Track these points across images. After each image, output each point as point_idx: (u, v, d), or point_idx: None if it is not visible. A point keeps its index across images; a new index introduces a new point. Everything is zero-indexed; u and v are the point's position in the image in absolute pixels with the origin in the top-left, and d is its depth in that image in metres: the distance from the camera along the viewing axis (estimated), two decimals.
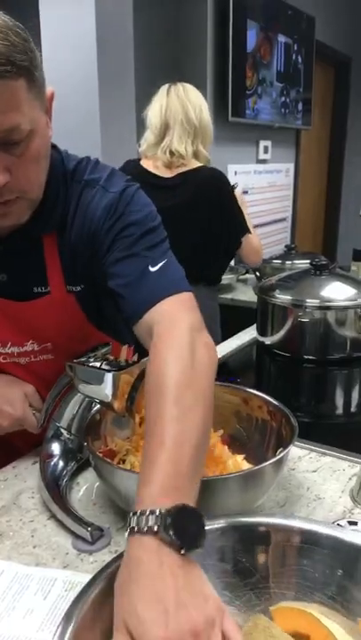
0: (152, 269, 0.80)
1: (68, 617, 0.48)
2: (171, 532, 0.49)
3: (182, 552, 0.49)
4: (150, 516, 0.50)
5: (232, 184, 1.92)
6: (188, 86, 1.90)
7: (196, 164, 1.88)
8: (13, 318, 0.88)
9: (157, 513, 0.50)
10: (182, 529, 0.50)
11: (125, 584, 0.49)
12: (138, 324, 0.79)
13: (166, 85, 1.89)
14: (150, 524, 0.50)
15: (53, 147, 0.84)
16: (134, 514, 0.52)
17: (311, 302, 1.39)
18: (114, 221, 0.83)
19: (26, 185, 0.74)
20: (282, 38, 3.52)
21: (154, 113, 1.88)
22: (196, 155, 1.89)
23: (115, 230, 0.83)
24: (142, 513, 0.51)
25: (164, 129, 1.87)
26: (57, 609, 0.63)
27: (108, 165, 0.90)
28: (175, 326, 0.73)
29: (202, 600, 0.48)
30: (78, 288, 0.89)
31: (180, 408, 0.61)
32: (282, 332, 1.44)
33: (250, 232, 1.93)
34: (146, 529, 0.50)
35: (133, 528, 0.51)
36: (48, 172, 0.80)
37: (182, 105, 1.86)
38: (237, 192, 1.96)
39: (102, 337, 0.94)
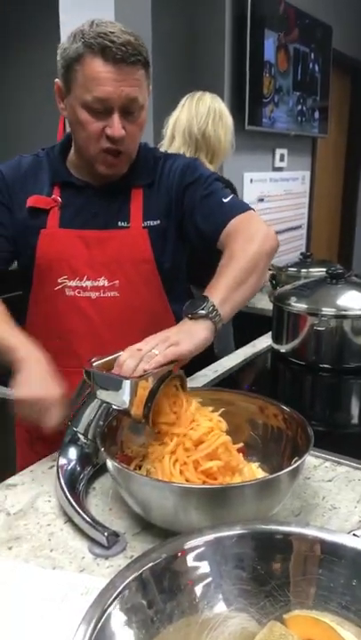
0: (225, 200, 1.10)
1: (84, 622, 0.49)
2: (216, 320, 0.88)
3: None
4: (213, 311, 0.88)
5: None
6: (205, 96, 1.86)
7: None
8: (94, 249, 1.10)
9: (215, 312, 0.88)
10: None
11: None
12: (221, 234, 1.06)
13: (187, 96, 1.88)
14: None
15: None
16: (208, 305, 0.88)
17: (327, 311, 1.39)
18: (190, 172, 1.13)
19: (131, 144, 1.06)
20: (299, 47, 3.53)
21: (167, 123, 1.88)
22: None
23: (192, 176, 1.12)
24: (213, 307, 0.88)
25: (171, 140, 1.87)
26: (73, 612, 0.64)
27: None
28: (246, 225, 1.05)
29: (187, 334, 0.85)
30: (154, 223, 1.12)
31: (245, 267, 0.97)
32: (297, 341, 1.44)
33: None
34: (205, 313, 0.87)
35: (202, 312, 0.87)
36: (139, 148, 1.12)
37: (188, 116, 1.83)
38: None
39: (161, 290, 1.16)
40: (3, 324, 1.01)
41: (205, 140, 1.82)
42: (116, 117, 0.99)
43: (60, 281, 1.10)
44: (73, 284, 1.10)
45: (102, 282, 1.10)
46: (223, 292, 0.92)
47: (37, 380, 0.91)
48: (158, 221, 1.13)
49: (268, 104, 3.27)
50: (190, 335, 0.85)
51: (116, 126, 0.99)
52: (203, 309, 0.87)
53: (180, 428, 0.81)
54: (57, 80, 1.04)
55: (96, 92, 0.97)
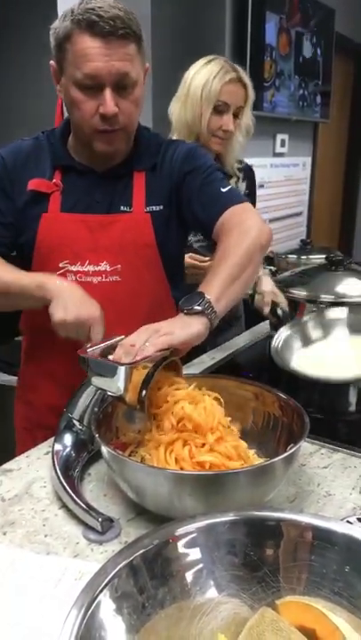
0: (223, 190, 1.09)
1: (76, 607, 0.49)
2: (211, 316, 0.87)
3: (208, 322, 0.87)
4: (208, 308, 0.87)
5: None
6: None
7: None
8: (96, 233, 1.09)
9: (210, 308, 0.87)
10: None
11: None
12: (216, 225, 1.06)
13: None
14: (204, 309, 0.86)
15: None
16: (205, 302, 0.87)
17: (326, 297, 1.38)
18: (192, 159, 1.13)
19: (127, 120, 1.02)
20: (301, 30, 3.48)
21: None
22: None
23: (194, 164, 1.12)
24: (209, 303, 0.87)
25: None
26: (67, 597, 0.64)
27: None
28: (241, 218, 1.04)
29: (181, 326, 0.85)
30: (157, 208, 1.12)
31: (239, 263, 0.95)
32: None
33: None
34: (201, 309, 0.86)
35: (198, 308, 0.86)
36: (141, 132, 1.13)
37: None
38: None
39: (162, 275, 1.15)
40: (14, 270, 1.03)
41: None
42: (107, 94, 0.97)
43: (61, 265, 1.10)
44: (74, 268, 1.10)
45: (104, 266, 1.10)
46: (219, 289, 0.91)
47: (77, 303, 0.94)
48: (161, 207, 1.12)
49: (270, 88, 3.23)
50: (184, 327, 0.84)
51: (108, 103, 0.97)
52: (199, 305, 0.86)
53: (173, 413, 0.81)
54: (51, 62, 1.03)
55: (85, 69, 0.95)
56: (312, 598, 0.56)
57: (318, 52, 3.72)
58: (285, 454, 0.74)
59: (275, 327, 1.32)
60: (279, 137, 3.58)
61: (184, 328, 0.84)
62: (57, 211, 1.10)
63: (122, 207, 1.11)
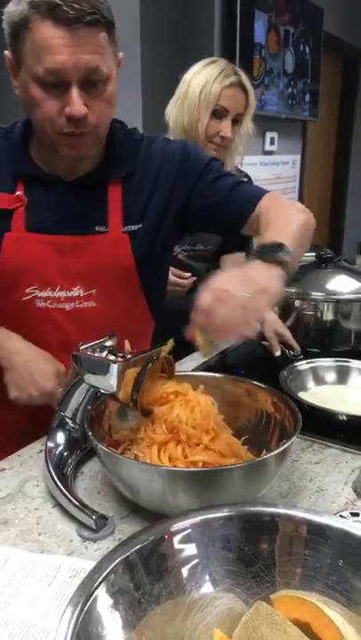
0: (241, 185, 1.03)
1: (72, 604, 0.49)
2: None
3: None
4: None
5: None
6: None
7: None
8: (68, 257, 0.97)
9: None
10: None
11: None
12: (250, 218, 1.00)
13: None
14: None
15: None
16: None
17: (316, 295, 1.39)
18: (190, 159, 1.03)
19: (98, 121, 0.88)
20: (290, 29, 3.49)
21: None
22: None
23: (194, 166, 1.03)
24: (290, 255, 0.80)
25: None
26: (62, 595, 0.64)
27: None
28: (283, 201, 1.00)
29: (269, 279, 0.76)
30: (135, 227, 1.00)
31: (301, 231, 0.90)
32: (286, 325, 1.44)
33: None
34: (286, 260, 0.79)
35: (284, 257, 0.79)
36: (114, 130, 0.98)
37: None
38: None
39: (140, 295, 1.06)
40: None
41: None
42: (74, 92, 0.82)
43: (28, 291, 0.98)
44: (44, 294, 0.98)
45: (77, 292, 0.99)
46: (294, 241, 0.83)
47: (31, 373, 0.92)
48: (140, 225, 1.01)
49: (259, 86, 3.25)
50: (271, 279, 0.77)
51: (75, 103, 0.83)
52: (283, 254, 0.79)
53: (168, 412, 0.81)
54: (6, 52, 0.87)
55: (47, 63, 0.80)
56: (306, 592, 0.57)
57: (307, 50, 3.74)
58: (278, 450, 0.74)
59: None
60: (268, 135, 3.60)
61: (272, 280, 0.77)
62: (22, 230, 0.96)
63: (96, 227, 0.98)
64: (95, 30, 0.81)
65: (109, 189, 0.99)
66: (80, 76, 0.82)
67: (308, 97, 3.88)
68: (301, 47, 3.67)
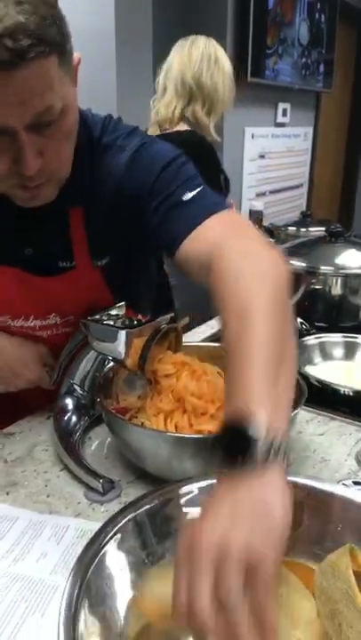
0: (185, 199, 0.81)
1: (80, 561, 0.50)
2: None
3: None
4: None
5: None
6: (199, 40, 1.67)
7: (182, 127, 1.69)
8: (38, 293, 0.88)
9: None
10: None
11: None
12: (178, 253, 0.79)
13: (180, 41, 1.72)
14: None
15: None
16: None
17: (325, 269, 1.38)
18: (141, 175, 0.83)
19: (57, 166, 0.74)
20: None
21: (159, 73, 1.74)
22: (191, 120, 1.69)
23: (143, 185, 0.83)
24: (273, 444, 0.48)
25: (163, 91, 1.73)
26: (69, 554, 0.66)
27: (129, 125, 0.89)
28: (240, 245, 0.73)
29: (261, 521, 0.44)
30: (104, 261, 0.88)
31: (275, 330, 0.60)
32: (294, 299, 1.44)
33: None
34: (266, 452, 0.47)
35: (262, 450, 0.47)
36: (78, 141, 0.78)
37: (180, 63, 1.66)
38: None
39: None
40: None
41: (200, 88, 1.66)
42: (25, 148, 0.66)
43: (1, 320, 0.91)
44: (18, 324, 0.90)
45: (54, 319, 0.91)
46: (265, 393, 0.52)
47: (13, 367, 0.91)
48: (108, 258, 0.88)
49: (272, 55, 3.18)
50: (267, 521, 0.45)
51: (27, 161, 0.67)
52: (256, 443, 0.47)
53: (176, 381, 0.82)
54: None
55: None
56: (309, 560, 0.58)
57: (322, 19, 3.65)
58: None
59: None
60: (281, 106, 3.54)
61: (272, 528, 0.45)
62: None
63: (60, 263, 0.86)
64: (41, 63, 0.61)
65: (71, 217, 0.84)
66: (28, 123, 0.65)
67: (322, 67, 3.80)
68: (316, 15, 3.58)
